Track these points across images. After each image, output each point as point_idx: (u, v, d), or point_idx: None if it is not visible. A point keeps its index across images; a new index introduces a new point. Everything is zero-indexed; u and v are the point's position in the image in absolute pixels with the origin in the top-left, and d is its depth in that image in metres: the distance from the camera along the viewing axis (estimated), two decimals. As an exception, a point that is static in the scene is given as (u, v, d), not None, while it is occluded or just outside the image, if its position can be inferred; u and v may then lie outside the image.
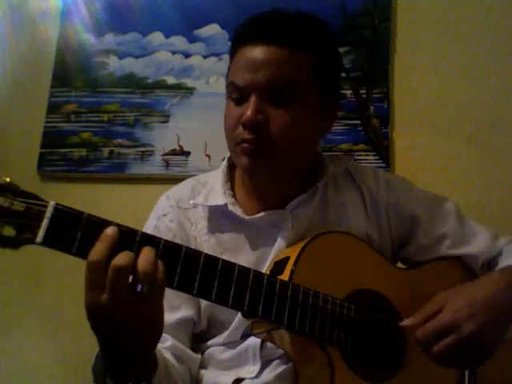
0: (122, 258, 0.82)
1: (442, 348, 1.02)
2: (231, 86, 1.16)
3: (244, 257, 1.18)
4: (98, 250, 0.82)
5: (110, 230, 0.84)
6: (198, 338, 1.23)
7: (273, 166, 1.15)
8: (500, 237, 1.29)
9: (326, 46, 1.21)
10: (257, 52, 1.12)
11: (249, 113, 1.10)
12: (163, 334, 1.02)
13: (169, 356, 1.11)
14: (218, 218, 1.22)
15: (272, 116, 1.12)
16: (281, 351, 1.10)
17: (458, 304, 1.04)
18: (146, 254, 0.84)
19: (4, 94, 2.10)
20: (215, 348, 1.20)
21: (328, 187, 1.27)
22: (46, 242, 0.81)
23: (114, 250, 0.83)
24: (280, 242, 1.18)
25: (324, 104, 1.19)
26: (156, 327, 0.90)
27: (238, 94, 1.15)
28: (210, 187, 1.26)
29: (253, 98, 1.11)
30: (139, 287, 0.83)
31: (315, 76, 1.16)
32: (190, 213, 1.24)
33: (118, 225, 0.86)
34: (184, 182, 1.33)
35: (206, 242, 1.21)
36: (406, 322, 1.08)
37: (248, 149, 1.13)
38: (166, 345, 1.13)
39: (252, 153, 1.13)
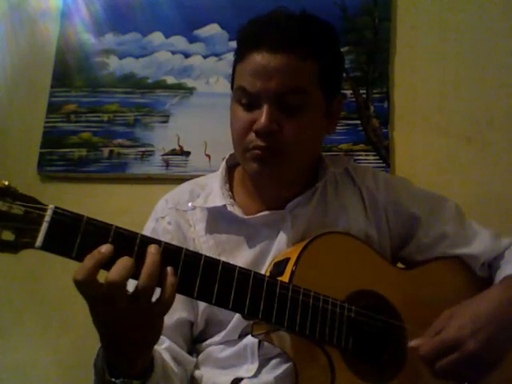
0: (116, 273, 0.82)
1: (445, 365, 1.02)
2: (240, 91, 1.16)
3: (243, 257, 1.19)
4: (85, 268, 0.82)
5: (103, 248, 0.83)
6: (196, 339, 1.24)
7: (281, 172, 1.17)
8: (501, 237, 1.29)
9: (332, 51, 1.21)
10: (268, 59, 1.11)
11: (263, 121, 1.11)
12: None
13: (167, 358, 1.11)
14: (217, 219, 1.23)
15: (283, 124, 1.13)
16: (279, 349, 1.10)
17: (461, 321, 1.04)
18: (147, 269, 0.85)
19: (4, 94, 2.09)
20: (213, 347, 1.20)
21: (327, 187, 1.28)
22: (45, 247, 0.81)
23: (104, 266, 0.83)
24: (280, 242, 1.18)
25: (329, 106, 1.20)
26: (153, 331, 0.91)
27: (247, 99, 1.15)
28: (209, 189, 1.27)
29: (266, 106, 1.12)
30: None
31: (321, 81, 1.16)
32: (189, 215, 1.25)
33: (117, 227, 0.86)
34: (183, 185, 1.33)
35: (204, 243, 1.21)
36: (414, 343, 1.07)
37: (260, 156, 1.14)
38: (163, 346, 1.13)
39: (263, 159, 1.14)
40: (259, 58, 1.12)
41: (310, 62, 1.14)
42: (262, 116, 1.11)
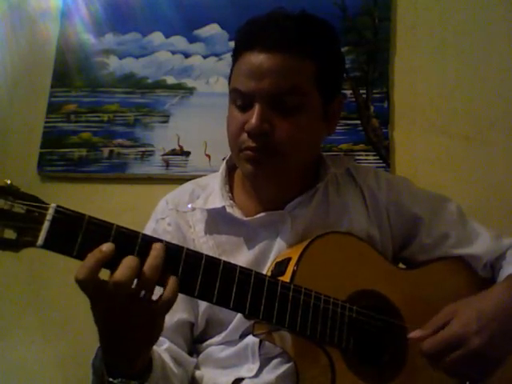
0: (122, 273, 0.82)
1: (449, 362, 1.02)
2: (235, 93, 1.15)
3: (243, 258, 1.18)
4: (86, 267, 0.82)
5: (105, 247, 0.83)
6: (196, 339, 1.23)
7: (276, 173, 1.16)
8: (503, 238, 1.29)
9: (330, 52, 1.20)
10: (261, 59, 1.11)
11: (253, 121, 1.10)
12: (160, 337, 1.02)
13: (167, 358, 1.11)
14: (217, 221, 1.23)
15: (276, 125, 1.12)
16: (280, 349, 1.10)
17: (466, 317, 1.04)
18: (153, 261, 0.85)
19: (4, 94, 2.09)
20: (214, 347, 1.20)
21: (329, 188, 1.27)
22: (46, 245, 0.81)
23: (105, 265, 0.83)
24: (280, 243, 1.18)
25: (327, 107, 1.19)
26: (154, 330, 0.91)
27: (241, 100, 1.14)
28: (210, 190, 1.27)
29: (257, 106, 1.11)
30: (142, 293, 0.84)
31: (318, 82, 1.15)
32: (189, 216, 1.25)
33: (118, 226, 0.86)
34: (184, 186, 1.33)
35: (204, 244, 1.21)
36: (413, 334, 1.07)
37: (252, 157, 1.13)
38: (163, 347, 1.13)
39: (256, 160, 1.13)
40: (253, 58, 1.12)
41: (308, 62, 1.13)
42: (253, 116, 1.10)
